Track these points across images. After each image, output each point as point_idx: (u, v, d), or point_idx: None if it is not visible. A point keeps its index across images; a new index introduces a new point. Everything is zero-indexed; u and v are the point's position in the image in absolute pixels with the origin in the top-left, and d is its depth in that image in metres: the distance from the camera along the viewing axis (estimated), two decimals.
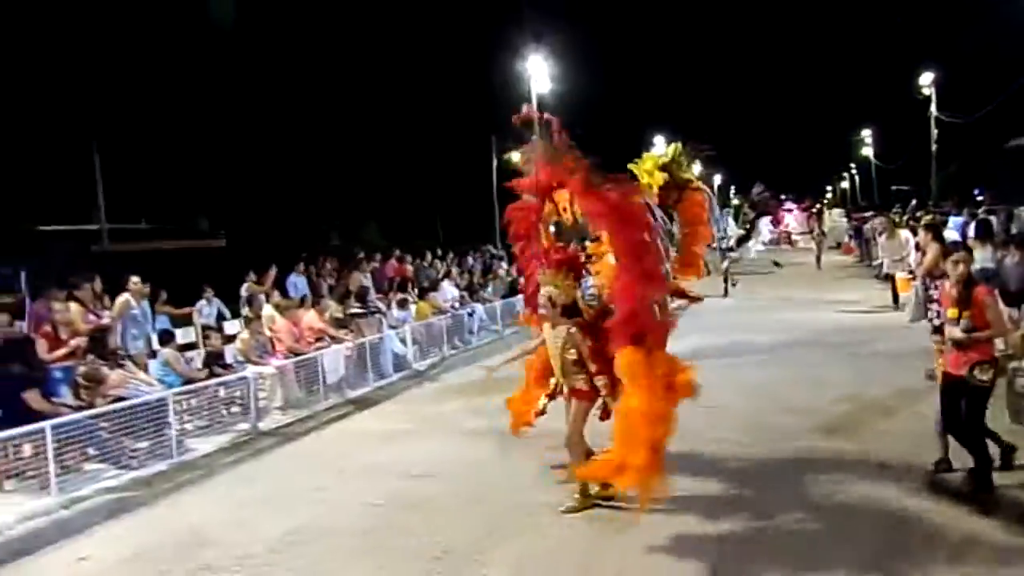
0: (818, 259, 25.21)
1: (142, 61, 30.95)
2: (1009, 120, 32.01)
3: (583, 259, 5.89)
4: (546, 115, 5.70)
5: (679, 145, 6.61)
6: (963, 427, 5.17)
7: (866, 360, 9.74)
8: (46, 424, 5.90)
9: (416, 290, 13.41)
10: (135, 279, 9.09)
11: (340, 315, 10.41)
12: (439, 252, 16.55)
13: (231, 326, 10.63)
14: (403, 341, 11.16)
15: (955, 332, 5.11)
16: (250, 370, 8.43)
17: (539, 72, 27.19)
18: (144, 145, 33.30)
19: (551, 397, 5.84)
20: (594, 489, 5.29)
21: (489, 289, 14.98)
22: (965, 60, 34.04)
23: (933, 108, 32.78)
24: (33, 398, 6.32)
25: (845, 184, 77.99)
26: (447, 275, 14.19)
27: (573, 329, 5.20)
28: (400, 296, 12.17)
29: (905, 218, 20.54)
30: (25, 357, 6.52)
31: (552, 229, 6.40)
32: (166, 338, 8.23)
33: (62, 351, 7.05)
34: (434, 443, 7.41)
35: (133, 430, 6.84)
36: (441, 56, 41.37)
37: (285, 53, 37.03)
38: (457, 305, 13.34)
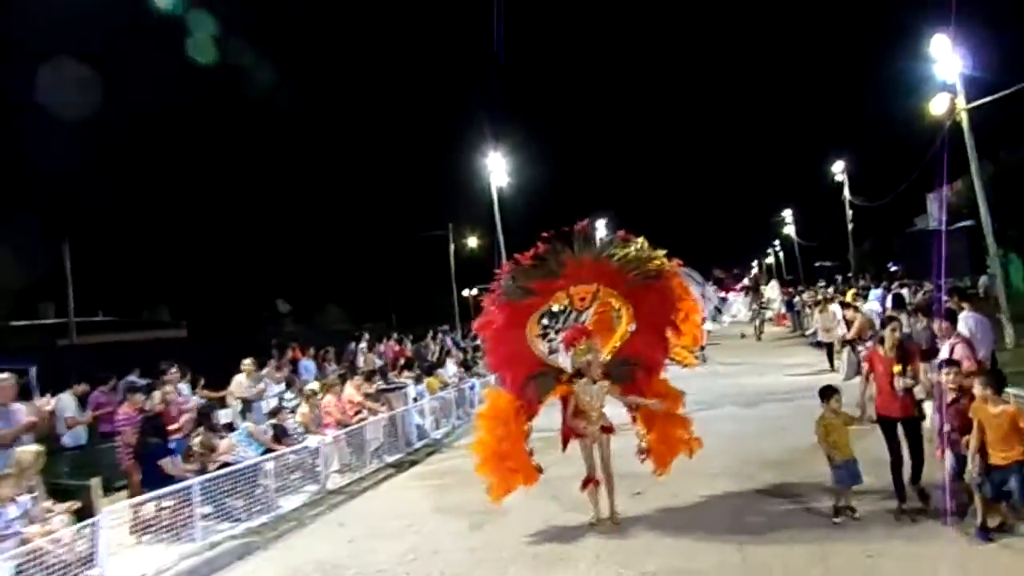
0: (759, 331, 27.61)
1: (100, 154, 31.97)
2: (912, 203, 36.36)
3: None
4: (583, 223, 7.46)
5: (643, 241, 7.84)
6: (913, 451, 6.35)
7: (816, 411, 11.77)
8: (194, 482, 7.29)
9: (417, 368, 15.02)
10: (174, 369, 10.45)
11: (371, 391, 11.93)
12: (433, 334, 18.23)
13: (225, 415, 11.15)
14: (420, 413, 12.71)
15: (905, 381, 6.24)
16: (312, 440, 9.89)
17: (498, 167, 29.68)
18: (103, 238, 34.11)
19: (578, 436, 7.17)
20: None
21: (480, 365, 16.69)
22: (871, 149, 38.65)
23: (846, 192, 36.87)
24: (167, 465, 7.69)
25: (770, 260, 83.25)
26: (448, 353, 15.86)
27: (606, 382, 7.04)
28: (412, 374, 13.75)
29: (833, 292, 23.30)
30: (159, 431, 7.90)
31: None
32: (247, 412, 9.65)
33: (176, 425, 8.42)
34: (472, 492, 8.81)
35: (235, 491, 8.22)
36: (398, 150, 44.01)
37: (246, 142, 38.87)
38: (457, 380, 14.99)
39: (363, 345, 15.99)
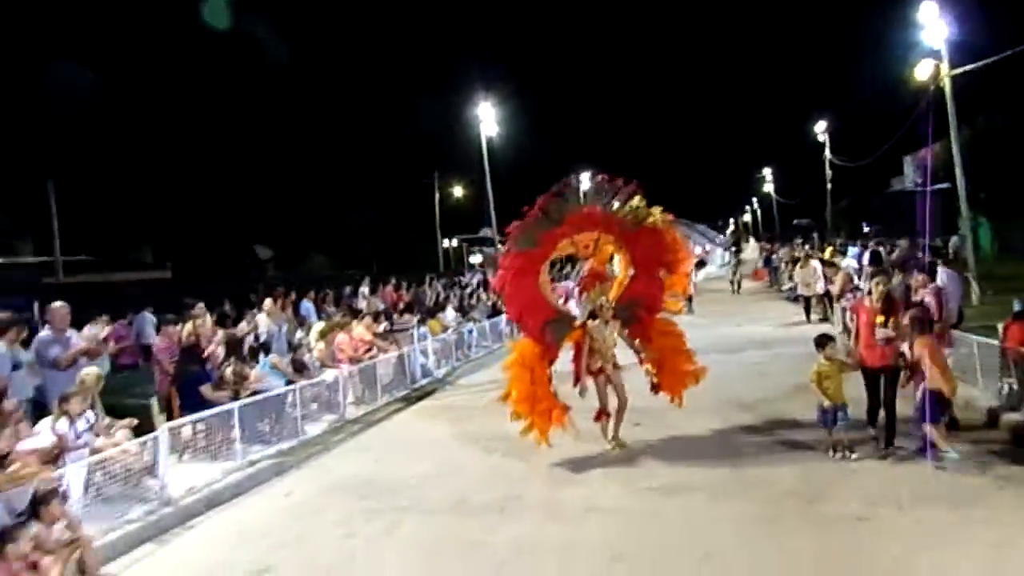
0: (738, 284, 28.63)
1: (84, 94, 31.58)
2: (889, 165, 37.30)
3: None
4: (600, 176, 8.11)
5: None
6: (887, 401, 6.80)
7: (793, 358, 12.66)
8: (235, 405, 7.95)
9: (418, 311, 15.67)
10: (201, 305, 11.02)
11: (379, 331, 12.58)
12: (430, 280, 18.85)
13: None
14: (424, 353, 13.42)
15: (885, 332, 6.71)
16: (328, 373, 10.55)
17: (488, 117, 29.85)
18: (86, 178, 33.87)
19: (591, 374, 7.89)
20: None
21: (477, 311, 17.40)
22: (853, 110, 39.36)
23: (827, 152, 37.67)
24: (207, 391, 8.32)
25: (747, 217, 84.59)
26: (447, 299, 16.52)
27: (617, 323, 7.76)
28: (414, 317, 14.40)
29: (811, 249, 24.23)
30: (199, 360, 8.50)
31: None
32: (269, 346, 10.26)
33: (206, 354, 9.02)
34: (482, 422, 9.60)
35: (265, 416, 8.89)
36: (384, 99, 43.79)
37: (233, 86, 38.44)
38: (455, 324, 15.69)
39: (364, 289, 16.57)
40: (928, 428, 6.42)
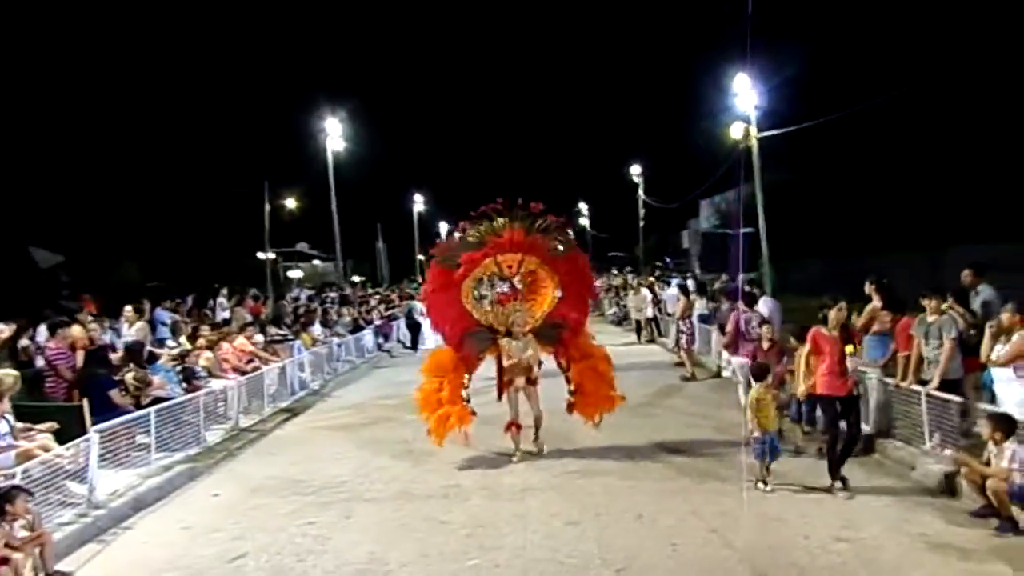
0: None
1: None
2: (689, 208, 42.20)
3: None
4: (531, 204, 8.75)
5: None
6: (850, 426, 6.57)
7: (634, 375, 14.29)
8: (151, 411, 7.86)
9: (284, 325, 15.62)
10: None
11: (260, 342, 12.56)
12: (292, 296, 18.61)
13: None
14: (300, 366, 13.52)
15: (855, 361, 6.58)
16: (217, 383, 10.49)
17: (335, 132, 29.89)
18: None
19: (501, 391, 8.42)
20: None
21: (339, 326, 17.58)
22: (660, 157, 44.12)
23: (641, 192, 41.89)
24: (116, 396, 8.11)
25: None
26: (312, 312, 16.56)
27: (531, 339, 8.46)
28: (283, 331, 14.43)
29: (636, 280, 26.88)
30: (105, 363, 8.21)
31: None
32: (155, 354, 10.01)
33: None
34: (382, 432, 10.11)
35: (169, 423, 8.76)
36: (215, 108, 41.72)
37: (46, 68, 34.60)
38: (323, 337, 15.85)
39: (222, 300, 16.12)
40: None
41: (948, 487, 6.38)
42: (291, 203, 41.29)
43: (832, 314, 6.51)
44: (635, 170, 42.05)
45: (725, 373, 12.61)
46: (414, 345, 19.60)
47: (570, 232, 9.05)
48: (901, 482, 6.82)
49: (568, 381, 8.37)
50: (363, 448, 9.16)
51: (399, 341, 20.71)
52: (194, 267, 43.87)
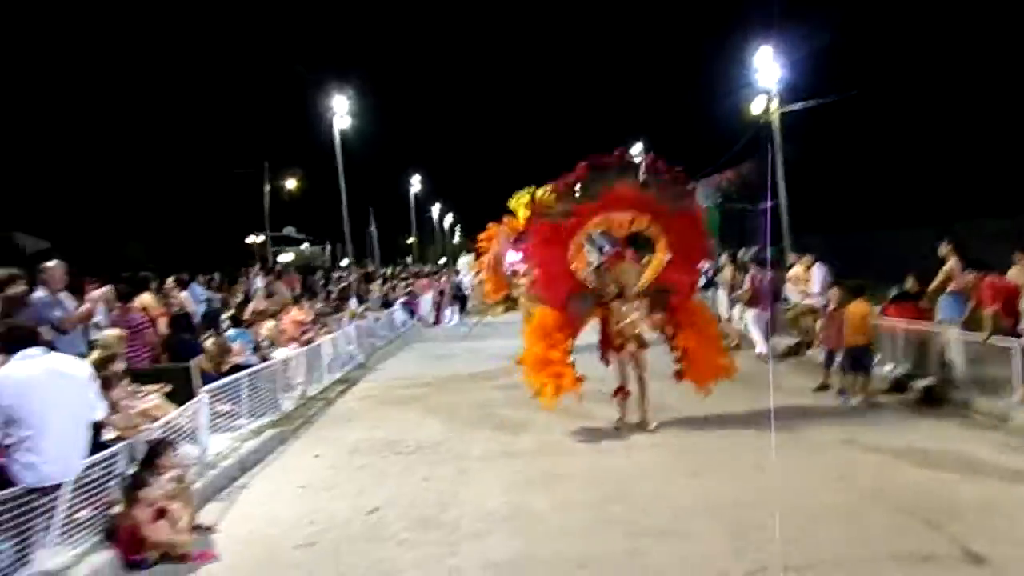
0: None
1: None
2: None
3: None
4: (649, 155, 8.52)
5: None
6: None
7: None
8: (244, 374, 7.88)
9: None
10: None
11: (313, 314, 12.57)
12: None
13: None
14: (348, 339, 13.55)
15: None
16: (282, 352, 10.50)
17: (342, 109, 29.58)
18: None
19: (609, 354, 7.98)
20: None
21: (369, 302, 17.60)
22: (661, 135, 44.24)
23: (643, 172, 41.99)
24: (201, 363, 8.10)
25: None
26: (348, 288, 16.57)
27: (642, 303, 7.97)
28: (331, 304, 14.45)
29: None
30: (190, 328, 8.20)
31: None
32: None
33: None
34: (438, 400, 10.22)
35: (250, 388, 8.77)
36: (214, 90, 41.21)
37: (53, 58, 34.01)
38: (361, 311, 15.87)
39: (257, 277, 16.04)
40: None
41: None
42: (291, 184, 41.01)
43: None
44: (636, 149, 42.10)
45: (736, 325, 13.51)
46: (436, 321, 19.64)
47: (689, 185, 8.43)
48: (996, 433, 6.98)
49: (674, 349, 7.98)
50: (436, 415, 9.17)
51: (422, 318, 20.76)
52: (185, 250, 43.50)
